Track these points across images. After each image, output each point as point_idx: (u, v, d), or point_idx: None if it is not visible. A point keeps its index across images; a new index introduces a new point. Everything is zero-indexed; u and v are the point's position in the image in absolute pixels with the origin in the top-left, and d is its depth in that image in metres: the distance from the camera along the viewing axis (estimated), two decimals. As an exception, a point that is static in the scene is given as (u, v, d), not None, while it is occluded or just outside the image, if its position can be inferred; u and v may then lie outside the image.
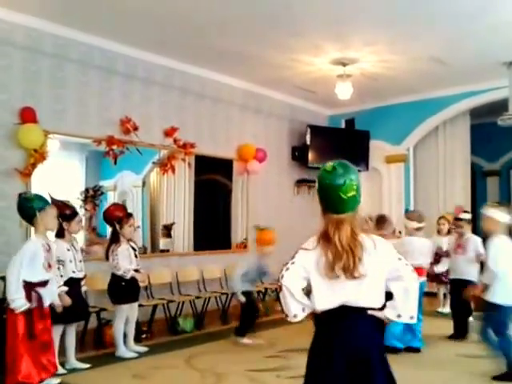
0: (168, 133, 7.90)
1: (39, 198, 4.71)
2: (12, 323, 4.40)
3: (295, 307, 2.55)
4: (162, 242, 8.22)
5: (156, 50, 7.55)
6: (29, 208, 4.59)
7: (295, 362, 5.42)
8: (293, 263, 2.54)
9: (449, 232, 8.47)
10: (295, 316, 2.56)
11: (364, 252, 2.48)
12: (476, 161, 11.55)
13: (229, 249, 8.90)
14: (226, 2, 5.98)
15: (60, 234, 5.24)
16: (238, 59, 7.87)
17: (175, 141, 7.97)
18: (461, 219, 6.82)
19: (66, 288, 5.05)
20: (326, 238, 2.52)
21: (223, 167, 8.98)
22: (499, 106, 8.56)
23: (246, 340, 6.50)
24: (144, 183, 8.03)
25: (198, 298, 7.57)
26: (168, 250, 8.18)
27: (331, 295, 2.49)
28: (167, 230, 8.18)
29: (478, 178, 11.43)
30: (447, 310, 8.07)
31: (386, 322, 2.61)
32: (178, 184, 8.28)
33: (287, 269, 2.53)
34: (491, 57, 7.87)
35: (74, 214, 5.38)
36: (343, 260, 2.45)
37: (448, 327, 6.81)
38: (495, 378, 5.02)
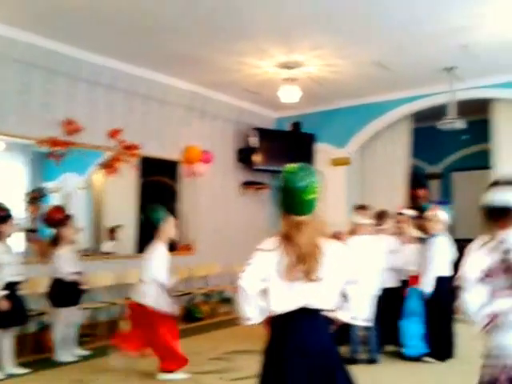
0: (113, 134, 7.80)
1: None
2: None
3: (250, 310, 2.52)
4: (107, 245, 8.11)
5: (102, 51, 7.42)
6: None
7: (238, 363, 5.46)
8: (250, 264, 2.52)
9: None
10: (249, 319, 2.54)
11: (323, 255, 2.51)
12: (419, 164, 11.82)
13: (174, 251, 8.83)
14: (173, 4, 5.94)
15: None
16: (185, 61, 7.83)
17: (120, 142, 7.87)
18: (402, 213, 6.95)
19: (4, 292, 4.95)
20: (287, 240, 2.52)
21: (169, 169, 8.91)
22: (441, 110, 8.81)
23: None
24: (89, 185, 7.91)
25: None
26: (112, 253, 8.07)
27: (289, 297, 2.48)
28: (112, 233, 8.08)
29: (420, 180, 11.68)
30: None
31: (338, 323, 2.66)
32: (123, 186, 8.18)
33: (245, 271, 2.51)
34: (432, 63, 8.07)
35: (8, 216, 5.25)
36: (305, 262, 2.47)
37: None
38: None
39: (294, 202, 2.57)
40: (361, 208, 6.19)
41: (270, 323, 2.57)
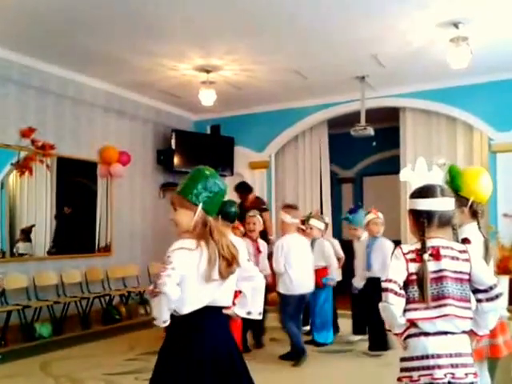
0: (25, 133, 7.56)
1: None
2: None
3: (167, 315, 2.47)
4: (21, 246, 7.89)
5: (12, 46, 7.18)
6: None
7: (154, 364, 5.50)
8: (173, 268, 2.42)
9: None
10: (165, 321, 2.49)
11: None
12: (333, 168, 12.22)
13: (92, 252, 8.75)
14: (89, 2, 5.88)
15: None
16: (101, 60, 7.73)
17: (33, 142, 7.67)
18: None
19: None
20: (205, 240, 2.53)
21: (87, 169, 8.78)
22: (354, 118, 9.16)
23: None
24: (2, 185, 7.68)
25: (56, 302, 7.39)
26: (27, 254, 7.87)
27: (200, 296, 2.51)
28: (26, 234, 7.88)
29: (334, 184, 12.09)
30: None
31: (235, 318, 2.79)
32: (38, 186, 7.99)
33: (169, 275, 2.40)
34: (345, 71, 8.39)
35: None
36: (224, 262, 2.52)
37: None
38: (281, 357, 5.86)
39: (215, 204, 2.64)
40: (289, 207, 6.31)
41: (169, 324, 2.51)
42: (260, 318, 2.91)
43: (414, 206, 2.64)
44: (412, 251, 2.53)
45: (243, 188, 8.78)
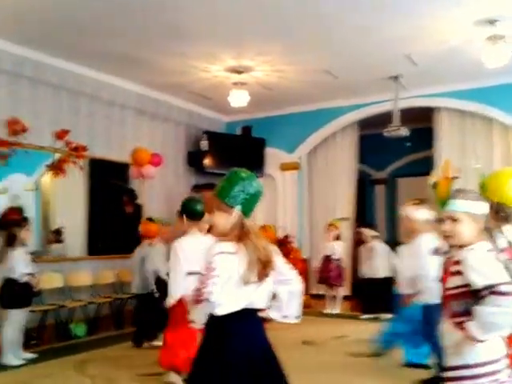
0: (59, 135, 7.65)
1: None
2: None
3: (204, 318, 2.56)
4: (54, 247, 8.00)
5: (46, 50, 7.29)
6: None
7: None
8: (218, 276, 2.45)
9: (338, 238, 8.98)
10: (203, 324, 2.57)
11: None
12: (365, 169, 12.10)
13: (127, 253, 8.78)
14: (122, 7, 5.95)
15: None
16: (134, 63, 7.80)
17: (67, 143, 7.75)
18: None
19: None
20: (244, 243, 2.53)
21: (119, 171, 8.86)
22: (387, 118, 9.05)
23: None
24: (37, 186, 7.79)
25: (90, 303, 7.47)
26: (61, 255, 7.96)
27: (238, 299, 2.51)
28: (57, 235, 7.97)
29: (366, 185, 11.98)
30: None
31: (268, 321, 2.75)
32: (71, 187, 8.09)
33: (215, 283, 2.44)
34: (378, 71, 8.31)
35: None
36: (261, 265, 2.51)
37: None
38: None
39: (251, 206, 2.61)
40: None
41: (206, 325, 2.58)
42: (297, 321, 2.85)
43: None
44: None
45: None
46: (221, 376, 2.47)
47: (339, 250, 8.94)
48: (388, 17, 6.27)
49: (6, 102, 7.14)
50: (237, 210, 2.55)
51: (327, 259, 8.90)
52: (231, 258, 2.48)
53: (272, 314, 2.73)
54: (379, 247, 8.49)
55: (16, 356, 5.80)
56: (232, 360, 2.48)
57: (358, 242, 9.31)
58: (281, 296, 2.73)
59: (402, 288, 5.09)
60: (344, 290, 9.28)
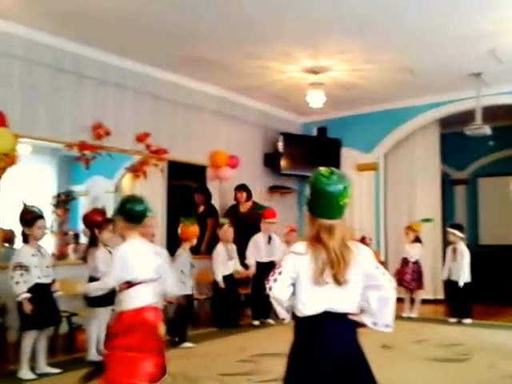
0: (140, 138, 7.85)
1: None
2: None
3: (285, 313, 2.63)
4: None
5: (128, 55, 7.51)
6: None
7: (266, 366, 5.47)
8: (281, 273, 2.55)
9: (417, 240, 8.76)
10: (284, 319, 2.66)
11: (354, 258, 2.54)
12: (445, 169, 11.75)
13: (200, 254, 8.87)
14: (198, 7, 6.01)
15: (24, 239, 5.25)
16: (211, 66, 7.89)
17: (147, 146, 7.94)
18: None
19: (27, 295, 5.04)
20: (317, 244, 2.53)
21: (196, 173, 8.99)
22: (467, 116, 8.75)
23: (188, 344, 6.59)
24: (116, 189, 7.99)
25: (170, 303, 7.52)
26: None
27: (317, 301, 2.51)
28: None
29: (446, 186, 11.62)
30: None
31: (362, 326, 2.68)
32: (150, 189, 8.23)
33: (275, 280, 2.55)
34: (459, 68, 8.06)
35: (35, 218, 5.31)
36: (335, 266, 2.48)
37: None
38: None
39: (328, 206, 2.56)
40: None
41: (294, 326, 2.63)
42: (387, 330, 2.73)
43: None
44: None
45: (244, 190, 8.83)
46: (304, 378, 2.49)
47: (417, 252, 8.73)
48: (468, 11, 6.05)
49: (92, 108, 7.38)
50: (307, 212, 2.65)
51: (405, 262, 8.76)
52: (298, 258, 2.55)
53: (365, 319, 2.66)
54: (465, 250, 8.23)
55: (100, 353, 5.96)
56: (315, 362, 2.48)
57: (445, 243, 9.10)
58: (370, 301, 2.64)
59: None
60: (423, 294, 9.02)
